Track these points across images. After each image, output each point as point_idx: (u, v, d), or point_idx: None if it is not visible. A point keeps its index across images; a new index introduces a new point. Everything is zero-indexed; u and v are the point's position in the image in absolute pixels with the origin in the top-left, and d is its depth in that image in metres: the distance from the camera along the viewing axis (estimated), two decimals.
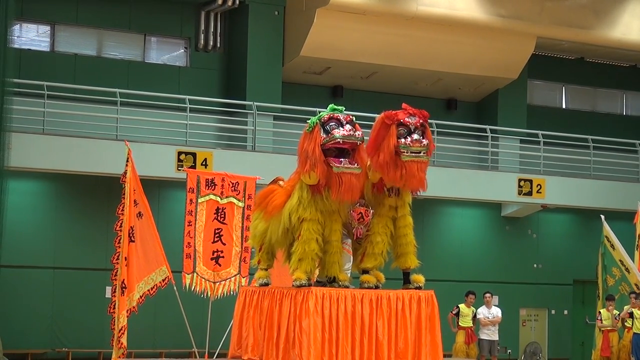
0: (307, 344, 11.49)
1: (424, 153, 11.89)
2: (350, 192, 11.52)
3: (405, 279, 12.50)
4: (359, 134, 11.56)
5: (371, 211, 12.08)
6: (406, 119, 11.90)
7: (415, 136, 11.79)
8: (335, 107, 11.80)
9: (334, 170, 11.34)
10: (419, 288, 12.39)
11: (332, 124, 11.53)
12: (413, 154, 11.76)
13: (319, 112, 11.78)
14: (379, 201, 12.19)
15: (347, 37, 26.24)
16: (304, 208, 11.64)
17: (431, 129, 26.25)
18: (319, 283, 12.19)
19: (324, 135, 11.48)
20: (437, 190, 26.43)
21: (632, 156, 29.40)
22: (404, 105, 12.23)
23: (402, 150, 11.70)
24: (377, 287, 12.17)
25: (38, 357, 22.99)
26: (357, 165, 11.53)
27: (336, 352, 11.62)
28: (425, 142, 11.88)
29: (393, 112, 12.05)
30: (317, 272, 12.34)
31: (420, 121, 11.98)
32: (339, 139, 11.40)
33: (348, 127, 11.52)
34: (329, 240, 11.75)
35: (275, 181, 13.07)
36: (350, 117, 11.72)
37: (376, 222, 12.11)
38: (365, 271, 12.20)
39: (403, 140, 11.74)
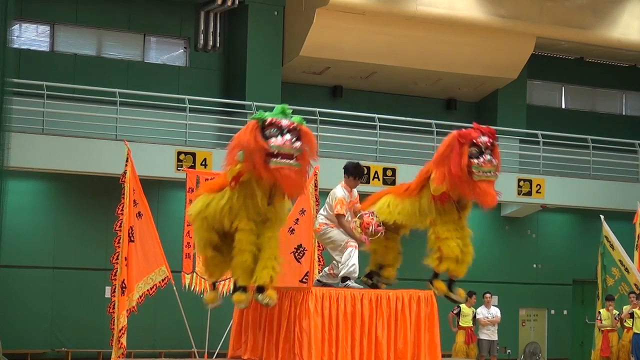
0: (308, 344, 11.52)
1: (493, 172, 12.15)
2: (293, 187, 11.19)
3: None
4: (297, 146, 10.89)
5: (381, 226, 12.31)
6: (479, 139, 12.09)
7: (487, 157, 12.04)
8: (285, 108, 11.23)
9: (270, 165, 10.73)
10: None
11: (273, 129, 10.91)
12: (484, 174, 12.03)
13: (277, 109, 11.11)
14: (441, 210, 12.50)
15: (347, 37, 26.28)
16: (234, 214, 11.20)
17: (430, 128, 26.55)
18: (319, 283, 12.24)
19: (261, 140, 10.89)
20: None
21: (631, 156, 29.43)
22: (475, 124, 12.40)
23: (473, 171, 11.97)
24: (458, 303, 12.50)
25: (38, 357, 23.02)
26: (296, 161, 10.94)
27: (336, 352, 11.65)
28: (495, 162, 12.15)
29: (466, 131, 12.22)
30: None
31: (491, 141, 12.18)
32: (274, 150, 10.78)
33: (288, 136, 10.89)
34: (263, 247, 11.26)
35: None
36: (295, 124, 11.05)
37: (445, 229, 12.47)
38: (436, 275, 12.55)
39: (475, 160, 11.98)
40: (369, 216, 12.37)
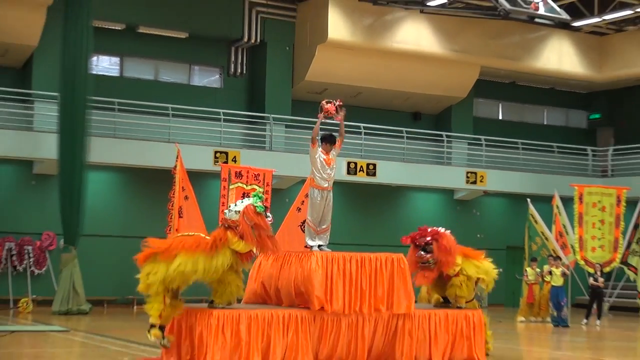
0: (312, 291, 11.64)
1: (424, 263, 12.69)
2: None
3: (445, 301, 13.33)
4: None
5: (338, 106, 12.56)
6: (419, 240, 12.77)
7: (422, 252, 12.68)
8: (259, 195, 11.51)
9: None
10: (459, 307, 13.06)
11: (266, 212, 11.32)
12: (423, 264, 12.70)
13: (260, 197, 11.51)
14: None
15: (340, 66, 26.33)
16: (224, 271, 11.08)
17: (401, 135, 26.54)
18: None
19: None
20: (406, 180, 26.67)
21: (550, 155, 29.55)
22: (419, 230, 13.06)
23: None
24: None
25: (111, 302, 23.13)
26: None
27: (331, 298, 11.75)
28: (427, 257, 12.63)
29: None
30: None
31: (426, 239, 12.72)
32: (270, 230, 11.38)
33: (269, 216, 11.33)
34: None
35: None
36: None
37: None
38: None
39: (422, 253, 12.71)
40: (329, 105, 12.48)
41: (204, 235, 11.46)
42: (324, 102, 12.51)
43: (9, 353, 12.78)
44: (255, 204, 11.19)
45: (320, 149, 12.51)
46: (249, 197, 11.93)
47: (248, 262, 11.30)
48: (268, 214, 11.36)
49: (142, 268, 11.12)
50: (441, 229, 13.12)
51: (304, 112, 26.08)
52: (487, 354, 13.14)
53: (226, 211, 11.47)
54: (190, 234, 11.70)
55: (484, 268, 13.54)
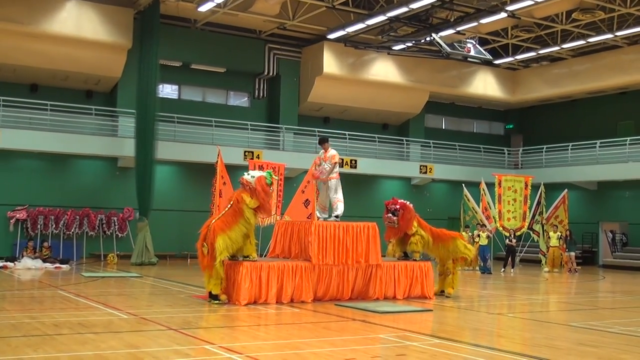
0: (312, 248, 11.60)
1: (390, 222, 12.64)
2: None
3: (405, 255, 13.06)
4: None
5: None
6: (390, 206, 12.67)
7: (390, 216, 12.61)
8: (271, 174, 11.48)
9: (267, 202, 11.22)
10: (415, 260, 12.85)
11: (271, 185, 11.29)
12: (389, 224, 12.63)
13: (271, 172, 11.63)
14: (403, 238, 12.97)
15: (332, 92, 26.21)
16: (249, 222, 10.98)
17: (374, 140, 26.29)
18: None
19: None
20: (378, 171, 26.61)
21: (478, 153, 29.49)
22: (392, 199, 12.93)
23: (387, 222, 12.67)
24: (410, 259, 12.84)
25: (172, 256, 23.09)
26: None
27: (325, 253, 11.73)
28: (394, 219, 12.52)
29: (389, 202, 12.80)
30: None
31: (396, 207, 12.59)
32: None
33: (272, 189, 11.37)
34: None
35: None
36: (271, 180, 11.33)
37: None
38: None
39: (390, 215, 12.63)
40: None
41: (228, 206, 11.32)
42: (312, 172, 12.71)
43: (101, 291, 12.77)
44: (267, 177, 11.31)
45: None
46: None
47: (259, 215, 11.25)
48: (271, 187, 11.41)
49: (217, 243, 10.73)
50: (407, 202, 13.13)
51: (307, 124, 26.09)
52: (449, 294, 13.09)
53: (245, 174, 11.49)
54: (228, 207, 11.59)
55: (459, 249, 13.16)
